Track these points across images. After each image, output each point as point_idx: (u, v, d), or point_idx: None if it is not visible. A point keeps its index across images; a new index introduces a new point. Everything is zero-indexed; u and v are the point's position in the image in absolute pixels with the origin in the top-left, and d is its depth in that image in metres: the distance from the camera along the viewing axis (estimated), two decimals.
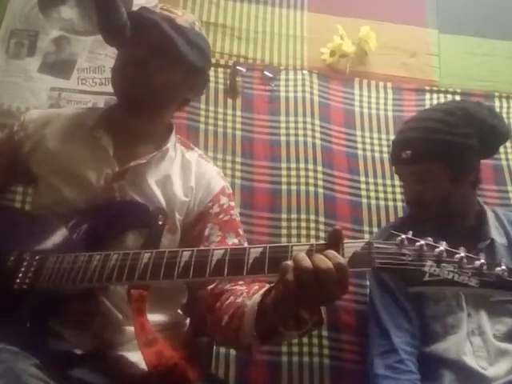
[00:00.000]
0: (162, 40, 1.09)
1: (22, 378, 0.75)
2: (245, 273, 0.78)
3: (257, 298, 0.85)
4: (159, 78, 1.11)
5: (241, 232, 1.13)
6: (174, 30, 1.10)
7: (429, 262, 0.71)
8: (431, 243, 0.72)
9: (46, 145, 1.14)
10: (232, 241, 1.09)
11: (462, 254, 0.70)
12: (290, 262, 0.72)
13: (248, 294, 0.94)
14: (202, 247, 1.05)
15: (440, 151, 1.33)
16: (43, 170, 1.12)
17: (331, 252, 0.72)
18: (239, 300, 0.94)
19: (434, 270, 0.70)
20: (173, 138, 1.19)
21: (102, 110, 1.26)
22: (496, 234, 1.37)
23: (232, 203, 1.16)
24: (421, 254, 0.71)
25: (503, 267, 0.69)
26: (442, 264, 0.70)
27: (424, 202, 1.37)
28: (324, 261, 0.71)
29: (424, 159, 1.34)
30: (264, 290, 0.85)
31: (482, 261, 0.69)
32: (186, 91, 1.21)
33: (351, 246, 0.75)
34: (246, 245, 1.11)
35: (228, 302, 0.98)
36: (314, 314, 0.78)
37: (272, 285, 0.82)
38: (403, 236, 0.73)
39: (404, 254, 0.72)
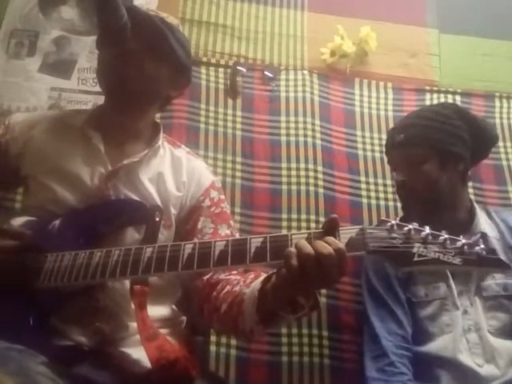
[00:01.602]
0: (156, 35, 1.12)
1: (32, 377, 0.76)
2: (248, 261, 0.82)
3: (256, 285, 0.89)
4: (150, 72, 1.14)
5: (232, 223, 1.17)
6: (165, 26, 1.14)
7: (417, 244, 0.78)
8: (417, 227, 0.79)
9: (36, 146, 1.14)
10: (224, 232, 1.13)
11: (446, 236, 0.77)
12: (292, 249, 0.77)
13: (245, 282, 0.97)
14: (195, 239, 1.09)
15: (432, 135, 1.39)
16: (35, 170, 1.12)
17: (330, 238, 0.78)
18: (237, 289, 0.98)
19: (422, 251, 0.77)
20: (161, 136, 1.22)
21: (88, 110, 1.27)
22: (487, 228, 1.39)
23: (222, 196, 1.19)
24: (409, 237, 0.79)
25: (482, 246, 0.76)
26: (429, 245, 0.77)
27: (413, 185, 1.39)
28: (325, 246, 0.76)
29: (416, 142, 1.40)
30: (263, 277, 0.89)
31: (464, 241, 0.76)
32: (171, 89, 1.23)
33: (346, 233, 0.81)
34: (237, 235, 1.16)
35: (225, 291, 1.01)
36: (310, 298, 0.82)
37: (270, 272, 0.86)
38: (392, 222, 0.80)
39: (394, 238, 0.79)
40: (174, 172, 1.17)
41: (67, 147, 1.13)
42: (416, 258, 0.77)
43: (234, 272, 1.06)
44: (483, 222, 1.41)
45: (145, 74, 1.13)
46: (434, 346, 1.31)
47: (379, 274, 1.40)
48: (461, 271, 1.31)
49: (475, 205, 1.47)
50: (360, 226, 0.82)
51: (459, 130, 1.40)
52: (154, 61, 1.14)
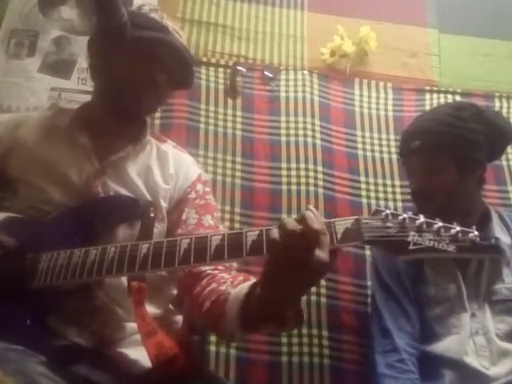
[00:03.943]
0: (184, 71, 1.21)
1: (32, 377, 0.75)
2: (244, 255, 0.81)
3: (243, 289, 0.86)
4: (164, 97, 1.21)
5: (215, 215, 1.17)
6: (191, 59, 1.22)
7: (411, 233, 0.77)
8: (412, 216, 0.79)
9: (23, 146, 1.13)
10: (208, 222, 1.12)
11: (440, 224, 0.77)
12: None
13: (232, 283, 0.95)
14: (179, 230, 1.10)
15: (448, 143, 1.35)
16: (22, 171, 1.11)
17: (307, 216, 0.73)
18: (222, 287, 0.96)
19: (417, 240, 0.77)
20: (148, 131, 1.23)
21: (73, 110, 1.26)
22: (500, 233, 1.38)
23: (207, 189, 1.20)
24: (404, 226, 0.78)
25: (475, 233, 0.76)
26: (423, 234, 0.77)
27: (430, 193, 1.37)
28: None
29: (432, 150, 1.37)
30: (252, 282, 0.87)
31: (458, 229, 0.77)
32: (171, 97, 1.31)
33: (342, 223, 0.80)
34: (221, 227, 1.16)
35: (210, 288, 0.99)
36: (296, 312, 0.79)
37: (258, 280, 0.83)
38: (387, 211, 0.80)
39: (389, 227, 0.79)
40: (161, 165, 1.17)
41: (54, 148, 1.13)
42: (411, 247, 0.77)
43: (220, 267, 1.05)
44: (496, 227, 1.40)
45: (159, 100, 1.21)
46: (439, 346, 1.30)
47: (390, 270, 1.40)
48: (455, 258, 1.29)
49: (490, 208, 1.45)
50: (355, 217, 0.81)
51: (476, 135, 1.36)
52: (171, 90, 1.23)
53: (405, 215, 0.79)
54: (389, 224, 0.79)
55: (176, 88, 1.26)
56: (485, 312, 1.31)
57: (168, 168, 1.17)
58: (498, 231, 1.39)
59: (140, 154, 1.17)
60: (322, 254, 0.72)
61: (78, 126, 1.15)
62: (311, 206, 0.78)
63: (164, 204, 1.12)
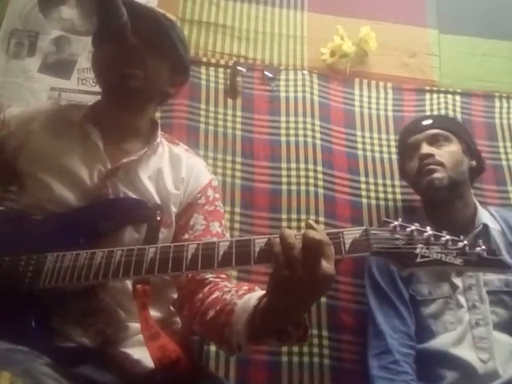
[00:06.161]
0: (158, 30, 1.12)
1: (38, 378, 0.75)
2: (252, 263, 0.80)
3: (252, 300, 0.86)
4: (152, 68, 1.13)
5: (223, 222, 1.17)
6: (167, 21, 1.13)
7: (419, 245, 0.78)
8: (419, 228, 0.80)
9: (35, 142, 1.12)
10: (216, 230, 1.12)
11: (448, 237, 0.78)
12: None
13: (237, 293, 0.95)
14: (186, 235, 1.09)
15: (456, 128, 1.56)
16: (33, 167, 1.10)
17: (308, 229, 0.74)
18: (227, 297, 0.96)
19: (425, 252, 0.78)
20: (159, 133, 1.21)
21: (86, 106, 1.26)
22: (488, 220, 1.44)
23: (217, 195, 1.20)
24: (412, 238, 0.79)
25: (482, 247, 0.77)
26: (431, 246, 0.78)
27: (439, 159, 1.45)
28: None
29: (443, 127, 1.52)
30: (260, 293, 0.86)
31: (465, 242, 0.78)
32: (170, 85, 1.23)
33: (350, 234, 0.80)
34: (227, 235, 1.16)
35: (214, 296, 0.99)
36: (299, 327, 0.79)
37: (265, 293, 0.83)
38: (395, 223, 0.80)
39: (397, 239, 0.79)
40: (173, 169, 1.16)
41: (66, 144, 1.12)
42: (419, 259, 0.77)
43: (223, 276, 1.06)
44: (485, 216, 1.45)
45: (146, 71, 1.12)
46: (435, 343, 1.32)
47: (383, 271, 1.41)
48: (462, 271, 1.32)
49: (476, 201, 1.52)
50: (363, 227, 0.81)
51: (471, 135, 1.62)
52: (156, 56, 1.14)
53: (413, 227, 0.79)
54: (397, 236, 0.79)
55: (158, 53, 1.14)
56: (485, 304, 1.32)
57: (180, 172, 1.16)
58: (486, 218, 1.45)
59: (152, 156, 1.15)
60: (327, 265, 0.72)
61: (90, 122, 1.14)
62: (311, 221, 0.78)
63: (174, 209, 1.11)
